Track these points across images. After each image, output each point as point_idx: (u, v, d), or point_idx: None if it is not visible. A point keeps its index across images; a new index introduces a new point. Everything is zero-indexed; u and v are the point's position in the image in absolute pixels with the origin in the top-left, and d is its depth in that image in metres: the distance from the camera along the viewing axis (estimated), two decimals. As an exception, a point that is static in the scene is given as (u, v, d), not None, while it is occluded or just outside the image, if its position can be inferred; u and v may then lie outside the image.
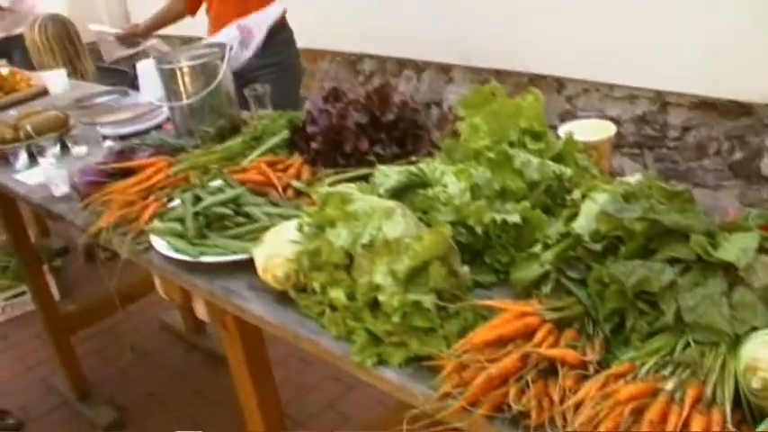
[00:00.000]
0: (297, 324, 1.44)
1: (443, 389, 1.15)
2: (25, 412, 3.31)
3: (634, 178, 1.49)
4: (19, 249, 3.15)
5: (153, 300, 3.49)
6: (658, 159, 3.62)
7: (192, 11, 3.73)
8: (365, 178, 1.68)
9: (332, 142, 1.92)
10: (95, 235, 1.86)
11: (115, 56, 4.14)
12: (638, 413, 1.03)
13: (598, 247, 1.28)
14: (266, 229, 1.59)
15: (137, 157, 2.11)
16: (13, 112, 2.94)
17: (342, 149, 1.90)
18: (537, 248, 1.37)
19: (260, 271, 1.50)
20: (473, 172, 1.55)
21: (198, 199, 1.80)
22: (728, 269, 1.16)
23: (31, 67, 4.10)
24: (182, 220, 1.75)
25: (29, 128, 2.48)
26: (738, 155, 3.33)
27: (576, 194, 1.45)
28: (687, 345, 1.13)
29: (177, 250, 1.69)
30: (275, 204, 1.80)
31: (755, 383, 1.03)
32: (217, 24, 3.45)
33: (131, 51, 3.97)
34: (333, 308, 1.38)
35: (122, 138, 2.53)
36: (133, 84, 3.10)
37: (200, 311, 3.28)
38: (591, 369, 1.13)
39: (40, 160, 2.28)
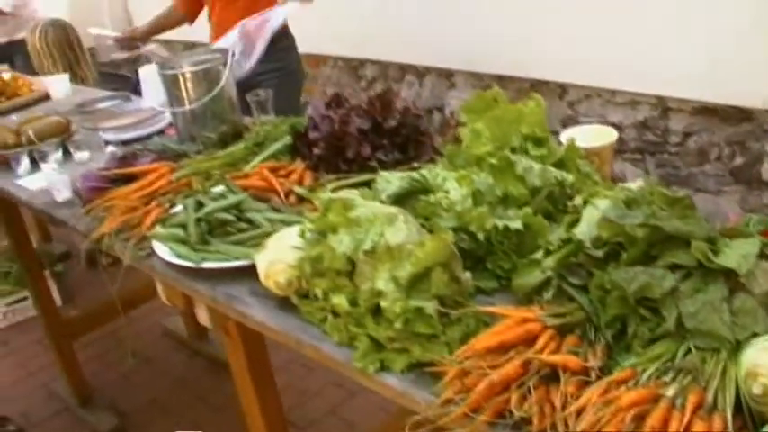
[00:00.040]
0: (299, 330, 1.44)
1: (445, 395, 1.16)
2: (26, 418, 3.30)
3: (635, 184, 1.49)
4: (21, 255, 3.15)
5: (155, 305, 3.50)
6: (660, 165, 3.63)
7: (192, 18, 3.74)
8: (367, 184, 1.68)
9: (334, 148, 1.92)
10: (98, 241, 1.86)
11: (111, 56, 4.14)
12: (639, 419, 1.03)
13: (600, 253, 1.28)
14: (268, 235, 1.59)
15: (139, 163, 2.11)
16: (14, 118, 2.95)
17: (344, 155, 1.90)
18: (539, 254, 1.37)
19: (262, 277, 1.50)
20: (475, 178, 1.55)
21: (200, 205, 1.80)
22: (729, 275, 1.16)
23: (34, 72, 4.11)
24: (184, 226, 1.75)
25: (31, 133, 2.48)
26: (739, 160, 3.34)
27: (578, 200, 1.45)
28: (688, 351, 1.13)
29: (179, 256, 1.69)
30: (277, 210, 1.80)
31: (756, 389, 1.03)
32: (219, 30, 3.45)
33: (128, 55, 3.98)
34: (335, 314, 1.39)
35: (124, 143, 2.53)
36: (135, 89, 3.10)
37: (203, 317, 3.30)
38: (593, 375, 1.13)
39: (42, 166, 2.28)
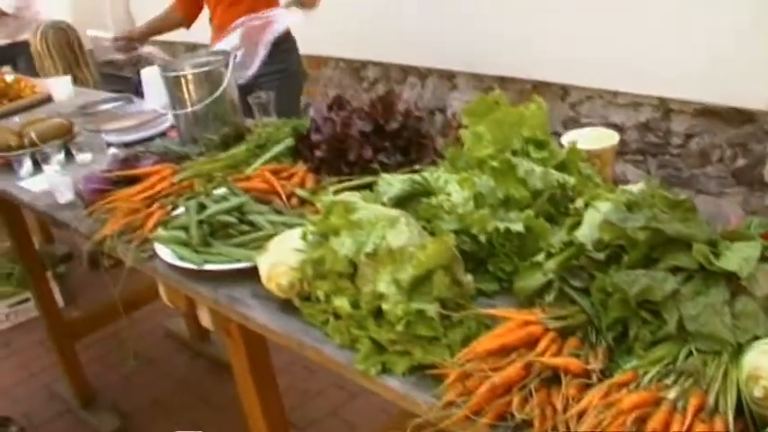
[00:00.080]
0: (301, 332, 1.44)
1: (447, 397, 1.16)
2: (29, 419, 3.31)
3: (637, 187, 1.49)
4: (23, 256, 3.16)
5: (157, 307, 3.50)
6: (661, 166, 3.63)
7: (189, 22, 3.73)
8: (369, 187, 1.69)
9: (336, 150, 1.92)
10: (100, 243, 1.86)
11: (108, 56, 4.14)
12: (640, 422, 1.03)
13: (601, 256, 1.28)
14: (270, 237, 1.59)
15: (141, 165, 2.11)
16: (17, 119, 2.95)
17: (346, 158, 1.90)
18: (540, 257, 1.37)
19: (264, 279, 1.50)
20: (477, 181, 1.55)
21: (202, 207, 1.81)
22: (731, 278, 1.16)
23: (36, 74, 4.12)
24: (186, 228, 1.75)
25: (33, 135, 2.48)
26: (741, 162, 3.34)
27: (579, 203, 1.46)
28: (690, 354, 1.13)
29: (181, 258, 1.70)
30: (279, 213, 1.80)
31: (758, 392, 1.03)
32: (220, 33, 3.44)
33: (125, 56, 3.97)
34: (337, 316, 1.39)
35: (127, 145, 2.53)
36: (137, 90, 3.10)
37: (205, 319, 3.30)
38: (594, 378, 1.13)
39: (45, 167, 2.29)
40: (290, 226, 1.65)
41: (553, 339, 1.21)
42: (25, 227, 3.12)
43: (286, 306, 1.50)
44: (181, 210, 1.86)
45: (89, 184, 2.06)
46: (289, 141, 2.10)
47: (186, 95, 2.33)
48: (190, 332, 3.66)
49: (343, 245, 1.34)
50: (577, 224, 1.38)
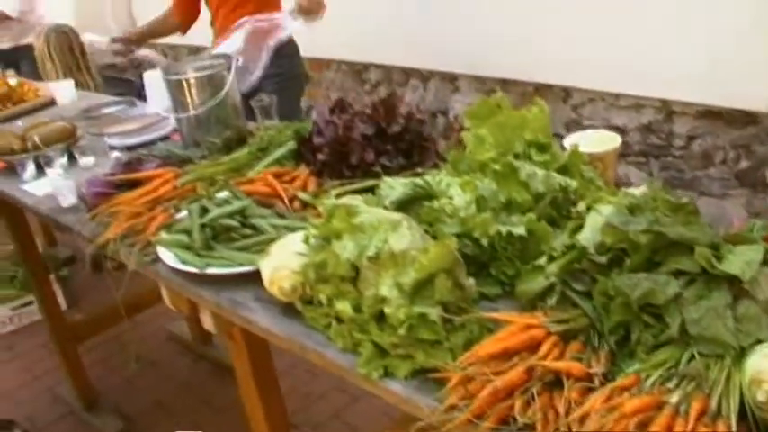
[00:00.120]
0: (303, 336, 1.45)
1: (449, 401, 1.16)
2: (32, 422, 3.31)
3: (639, 190, 1.49)
4: (26, 259, 3.16)
5: (160, 310, 3.50)
6: (664, 168, 3.63)
7: (185, 29, 3.71)
8: (371, 190, 1.69)
9: (338, 154, 1.92)
10: (103, 246, 1.87)
11: (105, 60, 4.14)
12: (643, 426, 1.03)
13: (603, 259, 1.28)
14: (272, 240, 1.59)
15: (144, 169, 2.12)
16: (20, 123, 2.96)
17: (348, 161, 1.90)
18: (542, 261, 1.37)
19: (266, 283, 1.50)
20: (479, 184, 1.56)
21: (205, 210, 1.81)
22: (733, 282, 1.16)
23: (40, 78, 4.12)
24: (188, 232, 1.76)
25: (36, 139, 2.49)
26: (744, 164, 3.34)
27: (582, 206, 1.45)
28: (692, 357, 1.13)
29: (184, 262, 1.70)
30: (281, 216, 1.80)
31: (760, 396, 1.03)
32: (222, 36, 3.45)
33: (121, 60, 3.97)
34: (339, 320, 1.39)
35: (129, 148, 2.54)
36: (140, 94, 3.11)
37: (207, 322, 3.30)
38: (596, 381, 1.14)
39: (48, 171, 2.29)
40: (293, 229, 1.65)
41: (555, 343, 1.21)
42: (28, 230, 3.12)
43: (288, 310, 1.50)
44: (183, 213, 1.86)
45: (92, 188, 2.06)
46: (291, 145, 2.11)
47: (189, 99, 2.33)
48: (192, 335, 3.67)
49: (346, 248, 1.34)
50: (579, 227, 1.38)
